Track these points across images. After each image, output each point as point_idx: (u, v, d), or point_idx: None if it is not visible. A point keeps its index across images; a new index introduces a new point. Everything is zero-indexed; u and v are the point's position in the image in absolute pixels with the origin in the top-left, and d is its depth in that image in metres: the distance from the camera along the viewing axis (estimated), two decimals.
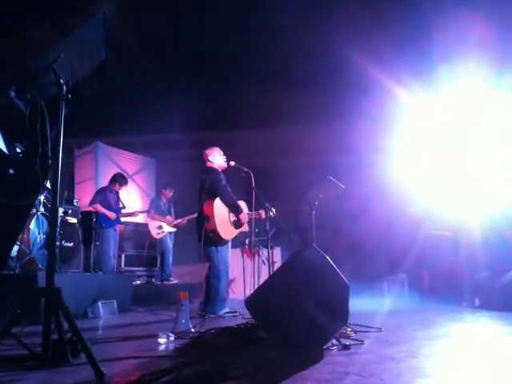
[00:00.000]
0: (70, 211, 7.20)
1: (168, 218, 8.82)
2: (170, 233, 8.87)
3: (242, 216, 5.71)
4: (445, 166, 7.96)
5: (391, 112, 8.25)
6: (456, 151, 7.73)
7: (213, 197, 5.52)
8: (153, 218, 8.77)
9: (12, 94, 3.26)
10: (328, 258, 3.25)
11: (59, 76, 2.76)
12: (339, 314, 3.11)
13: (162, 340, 3.45)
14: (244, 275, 7.06)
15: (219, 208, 5.51)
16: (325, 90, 9.37)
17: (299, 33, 8.10)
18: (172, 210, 9.05)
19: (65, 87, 2.80)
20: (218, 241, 5.52)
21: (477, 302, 6.26)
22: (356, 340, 3.26)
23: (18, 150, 3.99)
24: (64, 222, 6.93)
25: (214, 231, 5.39)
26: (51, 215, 3.14)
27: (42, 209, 6.16)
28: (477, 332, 4.05)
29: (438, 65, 7.50)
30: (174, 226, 8.89)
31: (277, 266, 6.11)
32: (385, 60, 7.70)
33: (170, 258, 8.82)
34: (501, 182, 6.92)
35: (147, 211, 8.98)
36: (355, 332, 3.56)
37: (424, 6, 7.49)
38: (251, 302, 3.33)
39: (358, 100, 8.50)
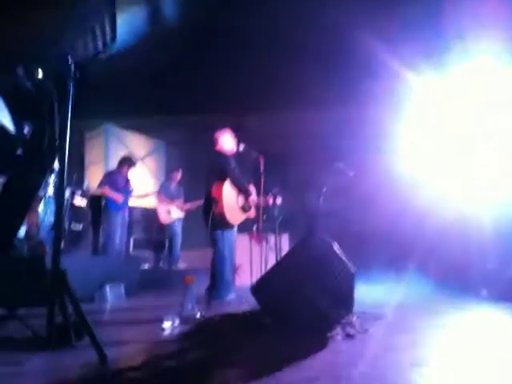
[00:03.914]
0: (79, 194, 7.22)
1: (177, 201, 8.80)
2: (178, 218, 8.89)
3: (251, 198, 5.70)
4: (456, 153, 7.81)
5: (401, 96, 8.07)
6: (468, 137, 7.53)
7: (222, 180, 5.49)
8: (162, 201, 8.76)
9: (20, 72, 3.23)
10: (335, 245, 3.22)
11: (69, 56, 2.74)
12: (344, 301, 3.10)
13: (167, 324, 3.45)
14: (251, 261, 7.03)
15: (228, 191, 5.48)
16: (334, 71, 9.17)
17: (307, 9, 7.86)
18: (182, 194, 9.02)
19: (73, 67, 2.77)
20: (224, 225, 5.49)
21: (484, 292, 6.20)
22: (360, 328, 3.24)
23: (26, 131, 3.97)
24: (73, 204, 6.95)
25: (221, 214, 5.36)
26: (57, 197, 3.13)
27: (51, 191, 6.16)
28: (481, 322, 4.01)
29: (449, 44, 7.24)
30: (184, 211, 8.87)
31: (284, 252, 6.08)
32: (393, 40, 7.45)
33: (179, 243, 8.81)
34: None
35: (157, 192, 8.96)
36: (360, 320, 3.53)
37: None
38: (257, 289, 3.32)
39: (368, 83, 8.32)
